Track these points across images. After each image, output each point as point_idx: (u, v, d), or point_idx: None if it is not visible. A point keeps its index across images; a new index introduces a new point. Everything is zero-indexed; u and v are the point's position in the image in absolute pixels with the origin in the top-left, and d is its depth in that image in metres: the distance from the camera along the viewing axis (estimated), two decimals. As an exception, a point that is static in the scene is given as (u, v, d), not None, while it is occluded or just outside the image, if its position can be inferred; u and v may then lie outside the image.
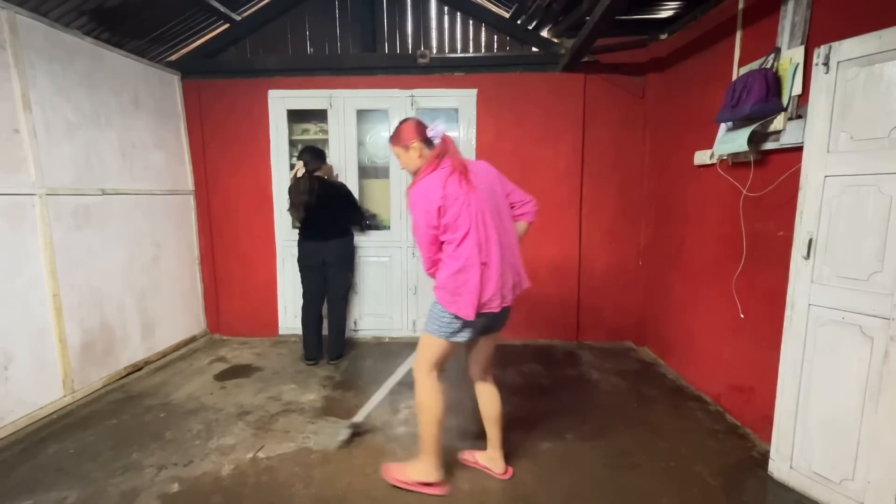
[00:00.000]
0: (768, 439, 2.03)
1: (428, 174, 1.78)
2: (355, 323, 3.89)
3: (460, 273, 1.73)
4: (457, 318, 1.75)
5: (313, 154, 3.17)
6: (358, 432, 2.33)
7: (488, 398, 2.01)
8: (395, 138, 1.90)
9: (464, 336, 1.82)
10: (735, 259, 2.45)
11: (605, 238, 3.70)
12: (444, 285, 1.77)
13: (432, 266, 1.85)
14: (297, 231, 3.30)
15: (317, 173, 3.14)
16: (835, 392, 1.77)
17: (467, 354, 2.01)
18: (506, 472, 2.02)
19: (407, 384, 2.09)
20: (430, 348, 1.85)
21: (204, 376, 3.14)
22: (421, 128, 1.86)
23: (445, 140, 1.83)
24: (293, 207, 3.14)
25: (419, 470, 1.91)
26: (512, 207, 1.93)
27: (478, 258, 1.72)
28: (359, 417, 2.31)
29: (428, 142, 1.85)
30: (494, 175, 1.89)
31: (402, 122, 1.91)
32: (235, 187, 3.81)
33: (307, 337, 3.34)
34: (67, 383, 2.68)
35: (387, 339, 3.82)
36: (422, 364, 1.88)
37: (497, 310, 1.79)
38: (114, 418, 2.55)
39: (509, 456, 2.11)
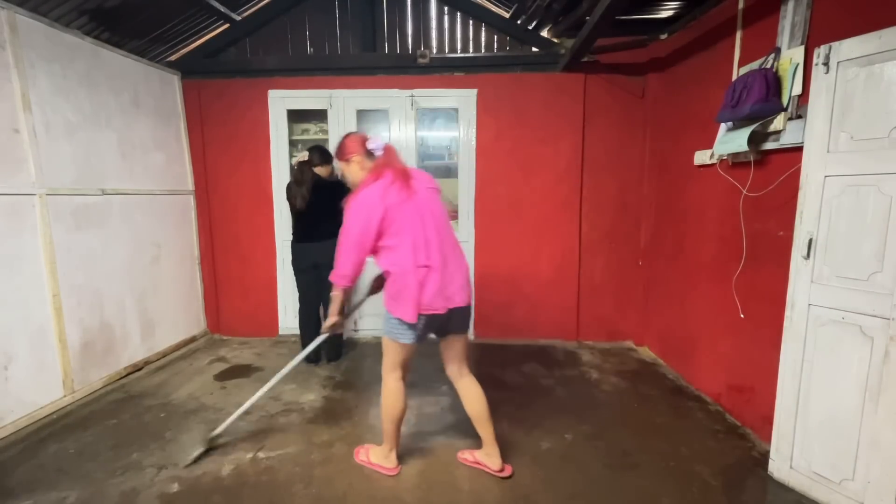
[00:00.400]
0: (768, 439, 2.03)
1: (370, 183, 1.84)
2: (355, 323, 3.89)
3: (399, 278, 1.81)
4: (402, 321, 1.82)
5: (320, 151, 3.18)
6: (214, 447, 2.21)
7: (469, 396, 2.02)
8: (338, 153, 2.00)
9: (411, 338, 1.87)
10: (735, 259, 2.45)
11: (605, 238, 3.70)
12: (387, 290, 1.87)
13: (345, 272, 1.88)
14: (296, 231, 3.29)
15: (316, 169, 3.14)
16: (835, 392, 1.77)
17: (442, 355, 2.05)
18: (503, 470, 2.01)
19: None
20: (388, 351, 1.96)
21: (204, 376, 3.14)
22: (362, 141, 1.95)
23: (387, 150, 1.92)
24: (292, 196, 3.12)
25: (378, 454, 2.09)
26: None
27: (414, 262, 1.79)
28: (217, 430, 2.21)
29: (370, 154, 1.94)
30: (433, 184, 1.97)
31: (344, 137, 2.01)
32: (235, 187, 3.81)
33: (305, 340, 3.33)
34: (67, 383, 2.68)
35: (387, 339, 3.82)
36: (385, 365, 1.99)
37: (442, 311, 1.83)
38: (114, 418, 2.55)
39: (510, 456, 2.11)
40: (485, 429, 2.01)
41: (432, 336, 2.00)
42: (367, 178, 1.88)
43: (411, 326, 1.83)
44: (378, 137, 1.93)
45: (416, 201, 1.83)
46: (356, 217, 1.81)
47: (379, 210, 1.78)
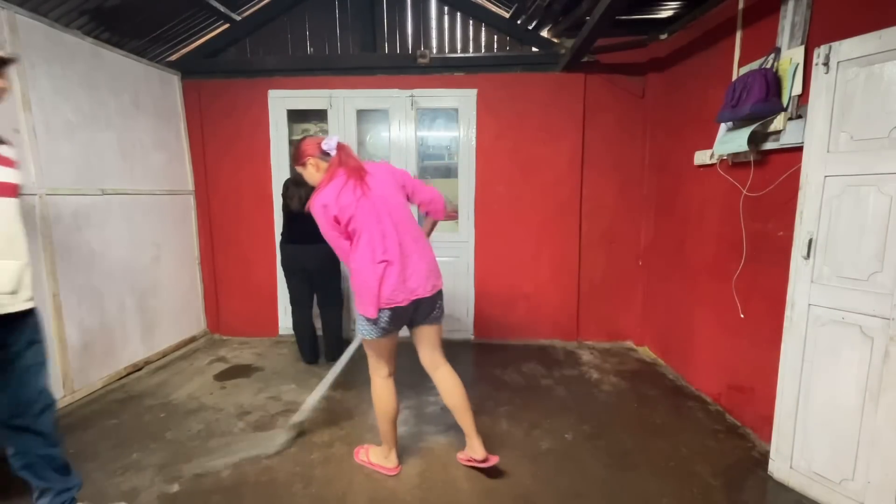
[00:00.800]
0: (768, 439, 2.03)
1: (326, 185, 1.87)
2: (354, 323, 3.88)
3: (359, 275, 1.84)
4: (366, 318, 1.85)
5: None
6: (301, 431, 2.34)
7: (446, 386, 2.03)
8: (295, 158, 2.02)
9: (376, 333, 1.88)
10: (735, 259, 2.45)
11: (605, 238, 3.70)
12: (352, 288, 1.91)
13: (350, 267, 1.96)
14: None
15: None
16: (835, 392, 1.77)
17: (414, 346, 2.07)
18: (486, 460, 1.99)
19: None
20: (368, 349, 1.98)
21: (204, 376, 3.14)
22: (317, 144, 1.96)
23: (340, 149, 1.92)
24: (289, 196, 3.10)
25: (377, 454, 2.10)
26: (420, 206, 2.05)
27: (372, 259, 1.82)
28: (298, 417, 2.31)
29: (325, 154, 1.95)
30: (394, 175, 1.98)
31: (299, 141, 2.04)
32: (235, 187, 3.81)
33: (301, 342, 3.33)
34: (67, 383, 2.68)
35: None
36: (369, 364, 2.01)
37: (405, 303, 1.85)
38: (114, 418, 2.55)
39: (510, 455, 2.11)
40: (464, 419, 2.01)
41: (406, 333, 2.02)
42: (322, 180, 1.91)
43: (374, 322, 1.85)
44: (332, 138, 1.93)
45: (371, 198, 1.85)
46: (320, 220, 1.86)
47: (332, 210, 1.81)
